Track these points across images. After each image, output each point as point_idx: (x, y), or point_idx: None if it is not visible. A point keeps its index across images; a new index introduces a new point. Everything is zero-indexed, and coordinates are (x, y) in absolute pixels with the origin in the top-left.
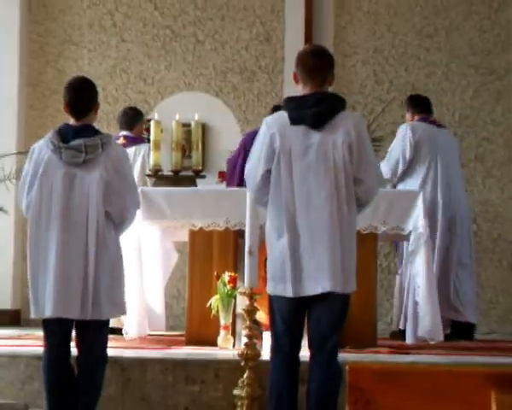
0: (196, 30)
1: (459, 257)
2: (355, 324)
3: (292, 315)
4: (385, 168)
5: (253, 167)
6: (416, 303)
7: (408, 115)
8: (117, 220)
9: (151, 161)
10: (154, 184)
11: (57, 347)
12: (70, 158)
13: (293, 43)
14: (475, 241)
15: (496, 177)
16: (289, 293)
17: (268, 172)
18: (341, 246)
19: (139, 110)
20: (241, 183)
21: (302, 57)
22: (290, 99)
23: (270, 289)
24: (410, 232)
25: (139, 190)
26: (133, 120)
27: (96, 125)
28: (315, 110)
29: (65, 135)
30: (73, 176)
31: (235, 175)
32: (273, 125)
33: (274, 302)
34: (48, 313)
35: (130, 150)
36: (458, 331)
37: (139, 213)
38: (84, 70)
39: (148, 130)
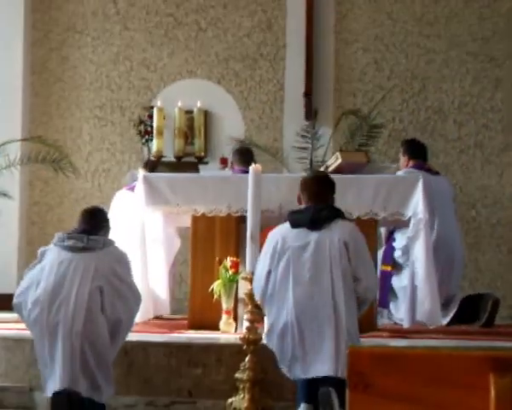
0: (199, 17)
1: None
2: None
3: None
4: None
5: (259, 273)
6: (414, 287)
7: (403, 159)
8: (116, 316)
9: (154, 148)
10: (157, 171)
11: None
12: (71, 244)
13: (295, 30)
14: (474, 226)
15: (495, 163)
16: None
17: (269, 272)
18: (336, 337)
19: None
20: None
21: (307, 183)
22: (293, 211)
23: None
24: (410, 218)
25: (141, 178)
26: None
27: (99, 112)
28: (314, 215)
29: (71, 232)
30: (70, 260)
31: None
32: (276, 235)
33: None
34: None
35: None
36: None
37: (142, 199)
38: (88, 58)
39: (150, 116)
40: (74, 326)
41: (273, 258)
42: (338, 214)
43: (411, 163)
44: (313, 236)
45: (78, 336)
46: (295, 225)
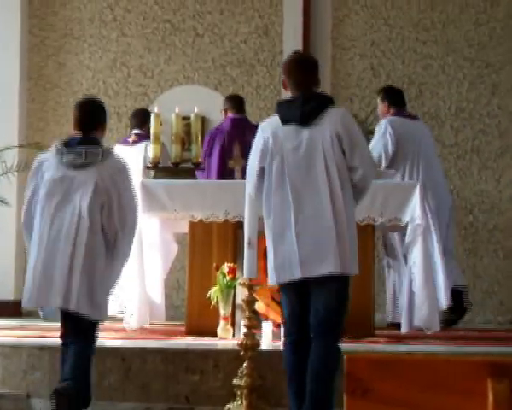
0: (195, 23)
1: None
2: (352, 314)
3: (299, 300)
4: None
5: (250, 169)
6: (412, 293)
7: (382, 106)
8: (114, 230)
9: (151, 154)
10: (154, 176)
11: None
12: (70, 160)
13: (292, 36)
14: (471, 232)
15: (492, 168)
16: (297, 275)
17: (262, 170)
18: (337, 232)
19: (148, 111)
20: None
21: (288, 65)
22: (281, 102)
23: (277, 278)
24: (408, 223)
25: (139, 183)
26: (143, 119)
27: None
28: (303, 109)
29: (69, 143)
30: (72, 178)
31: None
32: (266, 128)
33: (282, 291)
34: (31, 303)
35: (141, 145)
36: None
37: (140, 206)
38: (85, 64)
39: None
40: (76, 244)
41: (264, 155)
42: (326, 103)
43: (392, 110)
44: (304, 134)
45: (81, 254)
46: (285, 121)
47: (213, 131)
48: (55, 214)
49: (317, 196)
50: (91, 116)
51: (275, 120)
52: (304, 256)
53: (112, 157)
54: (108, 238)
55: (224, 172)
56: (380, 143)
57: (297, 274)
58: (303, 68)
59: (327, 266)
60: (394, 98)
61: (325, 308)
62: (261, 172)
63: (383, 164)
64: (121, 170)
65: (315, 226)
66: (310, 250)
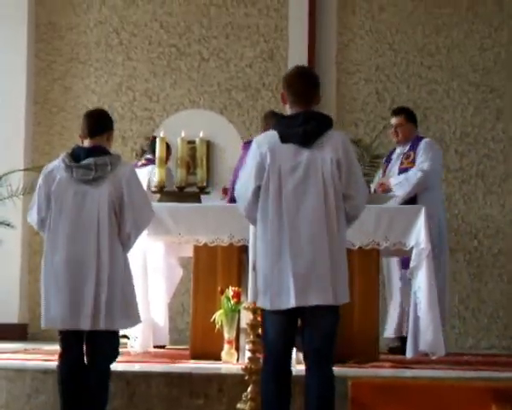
0: (201, 48)
1: None
2: (357, 338)
3: (287, 328)
4: (418, 174)
5: (244, 185)
6: (417, 318)
7: (410, 126)
8: (132, 230)
9: (156, 178)
10: (159, 200)
11: (72, 357)
12: (81, 176)
13: (297, 60)
14: (476, 256)
15: (496, 193)
16: (291, 304)
17: (258, 188)
18: (332, 259)
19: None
20: None
21: (289, 79)
22: (280, 118)
23: (271, 304)
24: (412, 248)
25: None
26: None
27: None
28: (304, 128)
29: (77, 155)
30: (84, 193)
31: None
32: (263, 143)
33: (267, 316)
34: (59, 324)
35: (148, 168)
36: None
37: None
38: (91, 88)
39: (151, 142)
40: (100, 264)
41: (261, 172)
42: (327, 124)
43: (416, 131)
44: (304, 155)
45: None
46: (285, 139)
47: None
48: (73, 234)
49: (313, 222)
50: (99, 122)
51: (272, 135)
52: (300, 284)
53: (119, 164)
54: (122, 241)
55: None
56: (438, 159)
57: (292, 302)
58: (305, 82)
59: (324, 296)
60: (415, 119)
61: (322, 337)
62: (256, 191)
63: (438, 179)
64: (130, 172)
65: (311, 254)
66: (306, 279)
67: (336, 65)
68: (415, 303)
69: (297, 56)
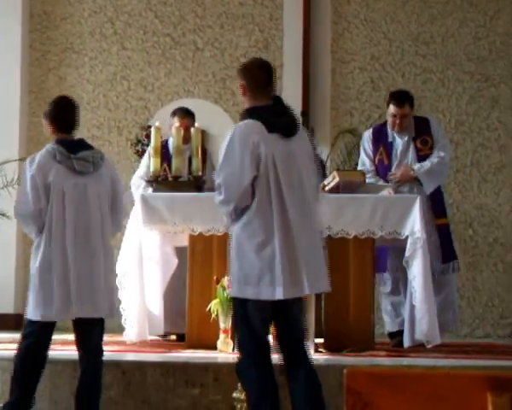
0: (196, 37)
1: None
2: (352, 327)
3: (269, 318)
4: (446, 158)
5: (237, 175)
6: (412, 307)
7: (411, 111)
8: (121, 219)
9: (151, 167)
10: (155, 190)
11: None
12: (81, 168)
13: (292, 50)
14: (471, 245)
15: (491, 182)
16: (279, 295)
17: (254, 178)
18: (321, 248)
19: None
20: None
21: (253, 71)
22: (261, 109)
23: (252, 293)
24: (407, 237)
25: (139, 196)
26: None
27: (97, 131)
28: (286, 119)
29: (70, 147)
30: (85, 184)
31: None
32: (252, 132)
33: (252, 306)
34: (73, 314)
35: None
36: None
37: (140, 219)
38: (86, 77)
39: (148, 136)
40: (105, 254)
41: (256, 162)
42: (298, 117)
43: None
44: (289, 145)
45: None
46: (272, 129)
47: None
48: (79, 224)
49: (306, 213)
50: (77, 116)
51: (257, 125)
52: (307, 273)
53: (105, 157)
54: (117, 229)
55: None
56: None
57: (303, 290)
58: (270, 73)
59: (318, 285)
60: None
61: (303, 327)
62: (252, 181)
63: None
64: (113, 165)
65: (309, 245)
66: (308, 268)
67: (331, 54)
68: (410, 293)
69: (292, 46)
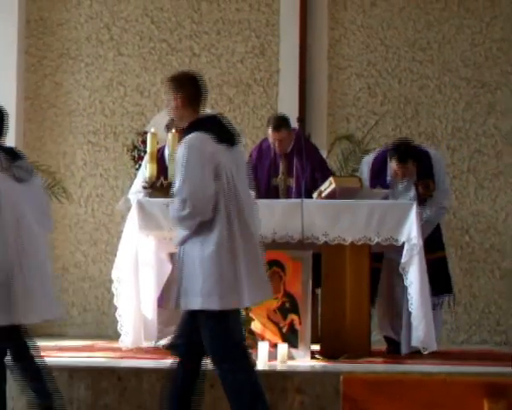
0: (192, 43)
1: None
2: (349, 334)
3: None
4: (447, 205)
5: (201, 187)
6: (409, 313)
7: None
8: (51, 224)
9: (147, 173)
10: (150, 196)
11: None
12: (22, 176)
13: (288, 56)
14: (467, 251)
15: (488, 188)
16: (246, 303)
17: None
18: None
19: None
20: None
21: (191, 83)
22: (205, 120)
23: (221, 304)
24: (404, 243)
25: (136, 202)
26: None
27: (93, 137)
28: (229, 130)
29: (9, 154)
30: (20, 191)
31: None
32: (206, 144)
33: (225, 317)
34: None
35: None
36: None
37: (136, 225)
38: (82, 83)
39: (144, 142)
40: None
41: (214, 172)
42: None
43: None
44: (235, 156)
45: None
46: (220, 140)
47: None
48: (22, 230)
49: (253, 220)
50: (7, 122)
51: (206, 137)
52: (259, 280)
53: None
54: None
55: (269, 190)
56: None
57: (264, 296)
58: (204, 84)
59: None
60: None
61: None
62: (215, 194)
63: None
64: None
65: (259, 252)
66: (259, 275)
67: (328, 60)
68: (407, 299)
69: (288, 52)
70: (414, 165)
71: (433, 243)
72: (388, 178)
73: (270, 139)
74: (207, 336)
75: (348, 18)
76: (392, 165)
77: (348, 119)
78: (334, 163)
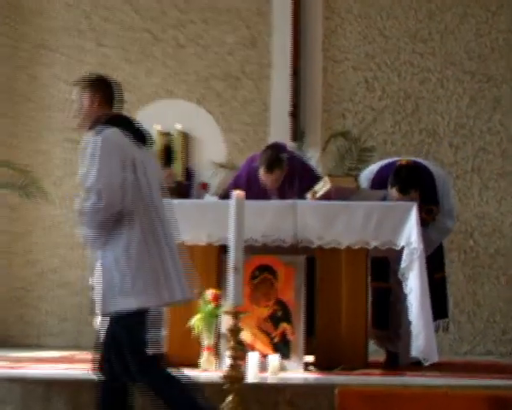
0: (177, 33)
1: None
2: (344, 344)
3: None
4: (453, 226)
5: (116, 177)
6: (409, 322)
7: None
8: None
9: None
10: None
11: None
12: None
13: (280, 47)
14: (471, 256)
15: (493, 189)
16: (177, 297)
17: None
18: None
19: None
20: None
21: (102, 82)
22: (117, 117)
23: (143, 302)
24: (403, 247)
25: None
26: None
27: (71, 134)
28: (139, 128)
29: None
30: None
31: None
32: (117, 138)
33: (138, 315)
34: None
35: None
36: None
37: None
38: (59, 76)
39: None
40: None
41: (131, 165)
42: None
43: None
44: (144, 153)
45: None
46: (131, 137)
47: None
48: None
49: (168, 222)
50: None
51: (117, 132)
52: (175, 279)
53: None
54: None
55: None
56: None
57: (175, 296)
58: (119, 88)
59: (189, 291)
60: None
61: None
62: (125, 185)
63: None
64: None
65: (175, 248)
66: (176, 274)
67: (323, 52)
68: (406, 307)
69: (280, 43)
70: (416, 192)
71: (433, 263)
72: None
73: (262, 178)
74: (123, 336)
75: (345, 7)
76: (393, 193)
77: (344, 115)
78: (328, 162)
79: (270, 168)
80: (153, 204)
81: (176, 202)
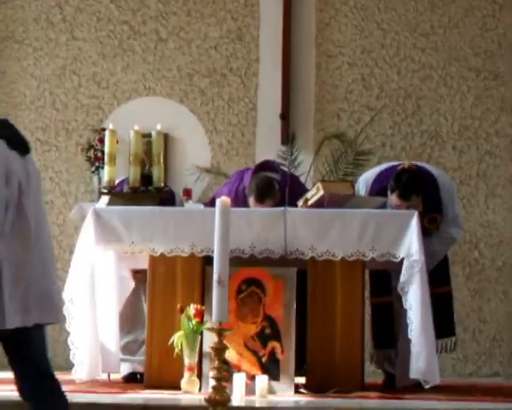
0: (158, 26)
1: None
2: (339, 365)
3: None
4: (459, 236)
5: None
6: (408, 341)
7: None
8: None
9: (105, 177)
10: (109, 203)
11: None
12: None
13: (270, 42)
14: (477, 269)
15: (500, 196)
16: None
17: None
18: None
19: None
20: None
21: None
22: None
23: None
24: (403, 259)
25: (91, 210)
26: None
27: (42, 134)
28: (22, 137)
29: None
30: None
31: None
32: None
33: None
34: None
35: None
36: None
37: (92, 237)
38: (29, 71)
39: (101, 141)
40: None
41: (6, 177)
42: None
43: None
44: (25, 164)
45: None
46: (11, 145)
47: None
48: None
49: (44, 237)
50: None
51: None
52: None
53: None
54: None
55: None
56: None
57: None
58: None
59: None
60: None
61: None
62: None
63: None
64: None
65: (50, 268)
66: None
67: (316, 47)
68: (405, 324)
69: (270, 37)
70: (419, 197)
71: (437, 276)
72: (389, 208)
73: (251, 205)
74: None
75: None
76: (393, 199)
77: (339, 115)
78: (322, 166)
79: (261, 199)
80: (26, 219)
81: (156, 209)
